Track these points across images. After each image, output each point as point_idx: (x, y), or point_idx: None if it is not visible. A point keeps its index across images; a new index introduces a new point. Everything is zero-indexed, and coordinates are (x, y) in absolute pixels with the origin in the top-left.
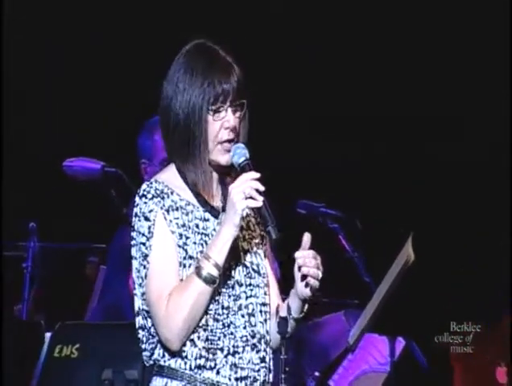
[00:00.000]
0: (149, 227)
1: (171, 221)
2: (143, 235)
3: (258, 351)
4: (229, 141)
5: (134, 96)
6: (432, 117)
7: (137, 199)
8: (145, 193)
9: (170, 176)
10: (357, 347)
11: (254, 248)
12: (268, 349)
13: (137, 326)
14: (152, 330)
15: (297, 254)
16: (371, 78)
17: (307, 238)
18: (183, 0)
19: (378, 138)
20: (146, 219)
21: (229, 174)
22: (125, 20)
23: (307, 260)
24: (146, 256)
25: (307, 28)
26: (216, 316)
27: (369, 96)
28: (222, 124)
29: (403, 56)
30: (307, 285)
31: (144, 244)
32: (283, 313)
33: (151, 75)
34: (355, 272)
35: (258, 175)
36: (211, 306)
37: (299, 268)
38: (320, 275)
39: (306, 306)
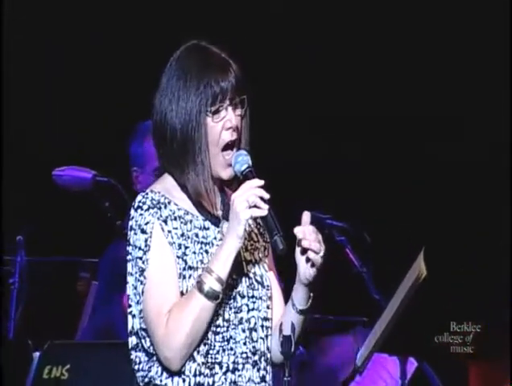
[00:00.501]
0: (145, 240)
1: (169, 232)
2: (140, 248)
3: (258, 369)
4: (232, 144)
5: (134, 97)
6: (432, 116)
7: (132, 211)
8: (140, 204)
9: (166, 186)
10: (365, 369)
11: (258, 259)
12: (268, 367)
13: (130, 346)
14: (151, 349)
15: (297, 229)
16: (371, 78)
17: (306, 216)
18: (183, 0)
19: (378, 138)
20: (143, 231)
21: (230, 185)
22: (126, 20)
23: (307, 233)
24: (143, 271)
25: (307, 28)
26: (215, 329)
27: (369, 96)
28: (223, 124)
29: (403, 56)
30: (308, 260)
31: (141, 258)
32: (287, 331)
33: (152, 75)
34: (363, 288)
35: (261, 183)
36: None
37: (299, 243)
38: (322, 251)
39: (311, 295)
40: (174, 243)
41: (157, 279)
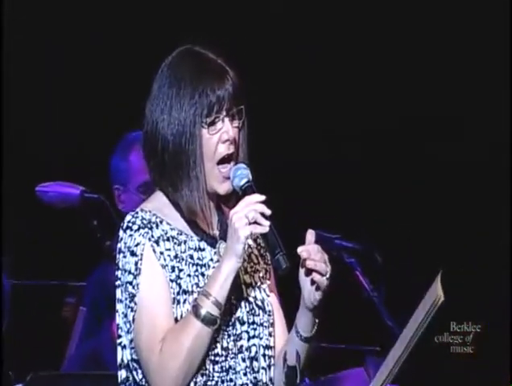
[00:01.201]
0: (136, 263)
1: (161, 253)
2: (129, 272)
3: None
4: (229, 157)
5: (135, 97)
6: (432, 117)
7: (121, 232)
8: (130, 225)
9: (157, 204)
10: None
11: (258, 283)
12: None
13: (119, 380)
14: (143, 382)
15: (300, 248)
16: (371, 78)
17: (310, 236)
18: (183, 0)
19: (380, 140)
20: (133, 254)
21: (227, 202)
22: (126, 20)
23: (312, 252)
24: (133, 297)
25: (307, 28)
26: (213, 358)
27: (369, 97)
28: (220, 137)
29: (403, 56)
30: (313, 283)
31: (131, 282)
32: (291, 361)
33: (152, 75)
34: (375, 314)
35: (262, 198)
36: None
37: (304, 263)
38: (329, 272)
39: (316, 321)
40: (167, 265)
41: (149, 305)
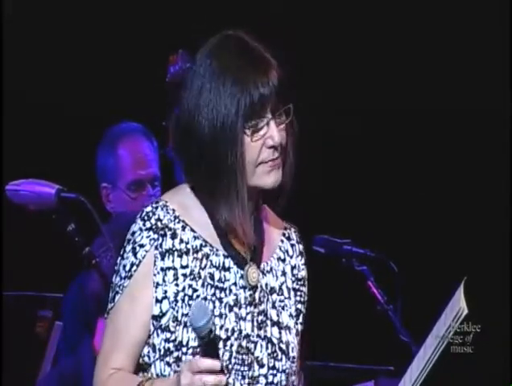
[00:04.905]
0: (132, 265)
1: (162, 270)
2: (124, 268)
3: None
4: (273, 160)
5: (135, 97)
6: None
7: (138, 217)
8: (145, 218)
9: (185, 201)
10: None
11: (286, 321)
12: None
13: None
14: None
15: None
16: (372, 78)
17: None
18: (182, 0)
19: (382, 143)
20: (134, 253)
21: (272, 203)
22: (126, 21)
23: None
24: (115, 295)
25: (307, 28)
26: None
27: (370, 97)
28: (264, 142)
29: (405, 56)
30: None
31: (121, 278)
32: None
33: (153, 75)
34: (389, 329)
35: (217, 366)
36: None
37: None
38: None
39: None
40: (164, 285)
41: (121, 319)
